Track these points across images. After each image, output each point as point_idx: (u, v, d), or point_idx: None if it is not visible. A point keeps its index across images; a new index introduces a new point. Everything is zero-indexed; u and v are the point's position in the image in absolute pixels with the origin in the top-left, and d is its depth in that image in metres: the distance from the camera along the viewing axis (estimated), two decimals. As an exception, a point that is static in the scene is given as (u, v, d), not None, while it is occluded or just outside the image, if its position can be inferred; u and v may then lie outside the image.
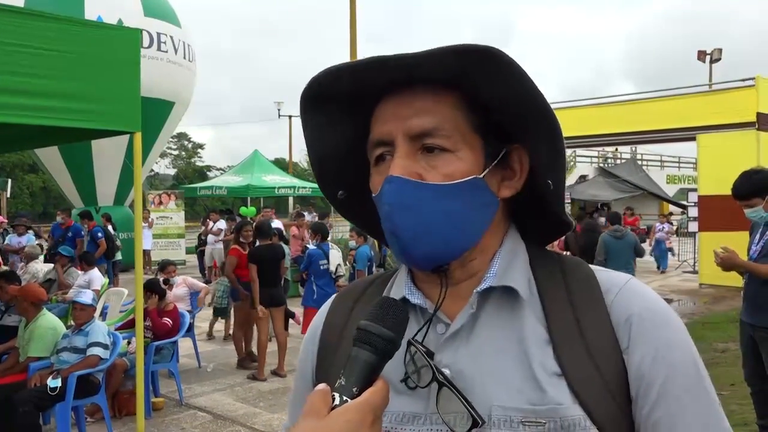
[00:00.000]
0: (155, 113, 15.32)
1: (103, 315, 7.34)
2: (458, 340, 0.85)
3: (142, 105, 4.63)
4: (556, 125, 0.84)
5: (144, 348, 5.22)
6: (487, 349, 0.84)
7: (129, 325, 6.23)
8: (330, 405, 0.70)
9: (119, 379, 5.69)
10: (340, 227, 20.43)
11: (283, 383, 6.81)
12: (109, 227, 13.38)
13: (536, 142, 0.87)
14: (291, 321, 7.71)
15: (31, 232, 13.01)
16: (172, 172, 57.94)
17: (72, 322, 5.43)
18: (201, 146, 60.60)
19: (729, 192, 4.34)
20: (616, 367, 0.81)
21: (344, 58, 20.84)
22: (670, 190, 29.51)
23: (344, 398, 0.70)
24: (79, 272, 8.43)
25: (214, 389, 6.66)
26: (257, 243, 7.25)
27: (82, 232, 12.18)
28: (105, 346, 5.15)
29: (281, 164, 37.80)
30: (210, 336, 8.77)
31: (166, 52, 16.39)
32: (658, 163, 32.16)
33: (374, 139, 0.87)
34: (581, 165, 28.19)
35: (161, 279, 7.10)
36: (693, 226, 14.49)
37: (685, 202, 17.96)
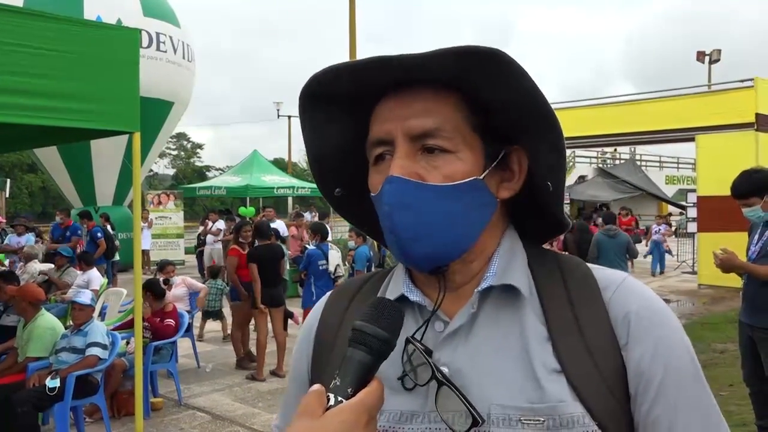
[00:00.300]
0: (154, 113, 15.31)
1: (102, 315, 7.34)
2: (457, 339, 0.85)
3: (141, 105, 4.63)
4: (557, 126, 0.84)
5: (143, 348, 5.22)
6: (486, 347, 0.84)
7: (127, 326, 6.22)
8: (325, 405, 0.70)
9: (118, 379, 5.68)
10: (340, 227, 20.43)
11: (282, 383, 6.81)
12: (108, 227, 13.37)
13: (536, 143, 0.87)
14: (290, 321, 7.70)
15: (32, 234, 12.98)
16: (171, 172, 57.93)
17: (71, 322, 5.42)
18: (200, 146, 60.57)
19: (728, 193, 4.34)
20: (615, 364, 0.82)
21: (344, 58, 20.86)
22: (669, 191, 29.57)
23: (339, 399, 0.70)
24: (78, 272, 8.42)
25: (213, 389, 6.66)
26: (256, 243, 7.25)
27: (79, 232, 12.16)
28: (104, 347, 5.14)
29: (280, 164, 37.80)
30: (200, 338, 8.69)
31: (166, 52, 16.39)
32: (657, 164, 32.21)
33: (374, 138, 0.87)
34: (580, 165, 28.23)
35: (161, 279, 7.10)
36: (692, 227, 14.51)
37: (684, 203, 17.98)
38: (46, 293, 7.15)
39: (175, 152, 57.96)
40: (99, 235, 12.24)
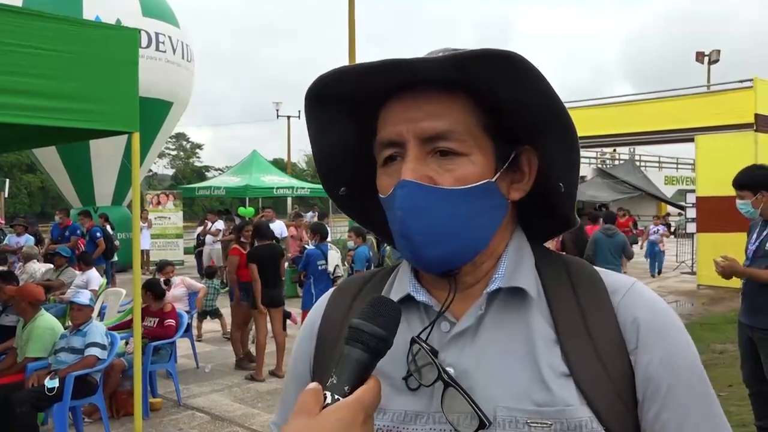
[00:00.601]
0: (153, 113, 15.31)
1: (101, 315, 7.33)
2: (463, 340, 0.85)
3: (140, 105, 4.62)
4: (572, 126, 0.83)
5: (142, 348, 5.22)
6: (493, 349, 0.83)
7: (126, 326, 6.22)
8: (321, 403, 0.70)
9: (117, 379, 5.68)
10: (339, 228, 20.43)
11: (281, 384, 6.78)
12: (108, 227, 13.37)
13: (551, 143, 0.86)
14: (288, 321, 7.70)
15: (31, 237, 12.96)
16: (170, 172, 57.94)
17: (69, 323, 5.42)
18: (199, 146, 60.60)
19: (727, 193, 4.36)
20: (623, 368, 0.82)
21: (343, 58, 20.88)
22: (669, 191, 29.59)
23: (336, 397, 0.70)
24: (77, 272, 8.41)
25: (212, 390, 6.65)
26: (256, 243, 7.25)
27: (79, 231, 12.16)
28: (103, 347, 5.14)
29: (280, 164, 37.79)
30: (199, 338, 8.67)
31: (165, 52, 16.38)
32: (657, 164, 32.23)
33: (384, 139, 0.86)
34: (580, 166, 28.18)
35: (162, 280, 7.10)
36: (691, 227, 14.52)
37: (683, 203, 18.00)
38: (46, 293, 7.13)
39: (174, 152, 57.98)
40: (98, 234, 12.23)
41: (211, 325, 9.00)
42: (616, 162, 30.22)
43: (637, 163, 29.96)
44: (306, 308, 7.38)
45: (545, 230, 0.98)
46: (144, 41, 15.10)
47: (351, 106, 0.90)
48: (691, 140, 13.67)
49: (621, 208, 18.41)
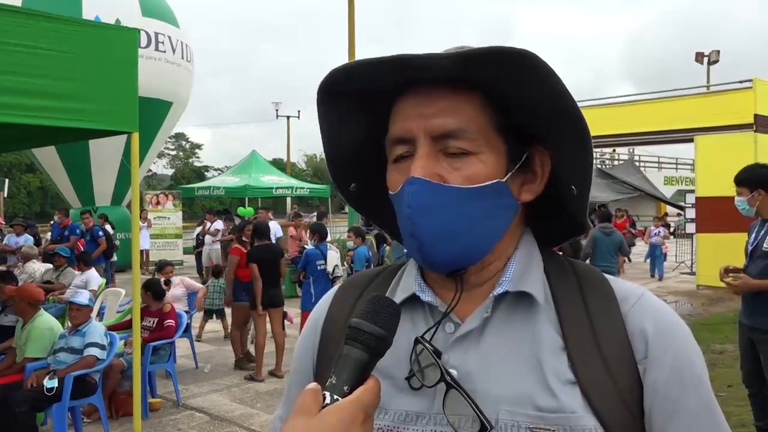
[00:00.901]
0: (153, 113, 15.30)
1: (101, 315, 7.33)
2: (468, 342, 0.84)
3: (139, 105, 4.62)
4: (585, 127, 0.82)
5: (141, 348, 5.21)
6: (498, 352, 0.83)
7: (126, 326, 6.21)
8: (321, 404, 0.69)
9: (116, 379, 5.67)
10: (338, 228, 20.42)
11: (281, 384, 6.80)
12: (108, 227, 13.36)
13: (563, 144, 0.85)
14: (285, 321, 7.70)
15: (30, 237, 12.94)
16: (169, 172, 57.95)
17: (69, 323, 5.42)
18: (199, 146, 60.62)
19: (727, 194, 4.37)
20: (631, 377, 0.81)
21: (343, 58, 20.85)
22: (668, 192, 29.58)
23: (335, 397, 0.70)
24: (76, 272, 8.41)
25: (212, 390, 6.65)
26: (255, 243, 7.24)
27: (78, 231, 12.16)
28: (102, 347, 5.14)
29: (279, 164, 37.75)
30: (199, 338, 8.69)
31: (164, 52, 16.38)
32: (656, 165, 32.23)
33: (394, 136, 0.86)
34: (579, 166, 28.17)
35: (162, 280, 7.10)
36: (690, 228, 14.51)
37: (682, 204, 17.98)
38: (46, 294, 7.13)
39: (173, 152, 58.01)
40: (101, 233, 12.22)
41: (211, 325, 9.00)
42: (616, 162, 30.23)
43: (637, 164, 29.96)
44: (305, 308, 7.37)
45: (556, 235, 0.97)
46: (143, 41, 15.10)
47: (363, 102, 0.89)
48: (691, 140, 13.67)
49: (619, 209, 18.40)
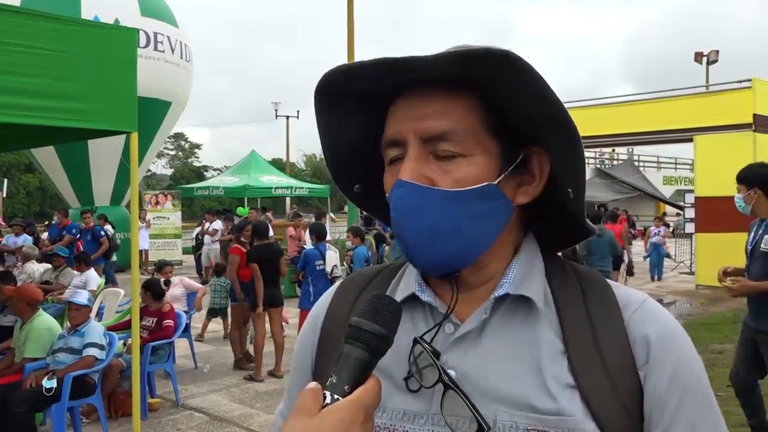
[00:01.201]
0: (152, 113, 15.30)
1: (99, 315, 7.32)
2: (467, 343, 0.84)
3: (138, 105, 4.61)
4: (574, 132, 0.81)
5: (140, 348, 5.21)
6: (497, 354, 0.82)
7: (125, 326, 6.21)
8: (321, 403, 0.69)
9: (115, 379, 5.67)
10: (337, 228, 20.41)
11: (280, 384, 6.80)
12: (108, 227, 13.36)
13: (554, 146, 0.84)
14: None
15: (29, 237, 12.93)
16: (169, 172, 57.93)
17: (68, 323, 5.41)
18: (198, 146, 60.59)
19: (726, 193, 4.39)
20: (631, 383, 0.81)
21: (342, 58, 20.85)
22: (667, 192, 29.61)
23: (335, 396, 0.69)
24: (75, 273, 8.40)
25: (211, 390, 6.65)
26: (255, 243, 7.24)
27: (74, 230, 12.15)
28: (101, 347, 5.13)
29: (278, 164, 37.75)
30: (201, 337, 8.69)
31: (163, 51, 16.38)
32: (655, 165, 32.25)
33: (387, 138, 0.86)
34: (578, 166, 28.17)
35: (162, 280, 7.10)
36: (689, 228, 14.52)
37: (681, 204, 17.99)
38: (45, 294, 7.13)
39: (173, 152, 57.96)
40: (102, 233, 12.21)
41: (211, 325, 9.00)
42: (615, 162, 30.25)
43: (636, 163, 29.99)
44: (303, 307, 7.38)
45: (560, 239, 0.96)
46: (142, 41, 15.11)
47: (363, 102, 0.89)
48: (690, 140, 13.68)
49: (616, 208, 18.37)
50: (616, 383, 0.80)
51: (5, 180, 25.81)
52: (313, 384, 0.71)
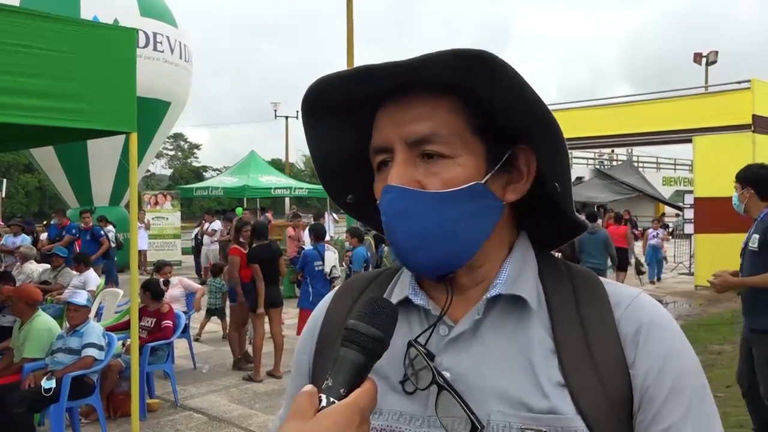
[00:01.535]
0: (151, 113, 15.30)
1: (99, 316, 7.32)
2: (460, 344, 0.84)
3: (137, 105, 4.61)
4: (555, 128, 0.81)
5: (139, 349, 5.20)
6: (490, 354, 0.83)
7: (124, 326, 6.20)
8: (316, 407, 0.69)
9: (114, 380, 5.67)
10: (340, 228, 20.39)
11: (279, 384, 6.79)
12: (110, 228, 13.36)
13: (538, 144, 0.85)
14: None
15: (27, 237, 12.92)
16: (168, 172, 57.91)
17: (67, 323, 5.41)
18: (197, 147, 60.58)
19: (725, 194, 4.41)
20: (621, 382, 0.80)
21: (342, 58, 20.84)
22: (666, 192, 29.62)
23: (331, 399, 0.69)
24: (74, 273, 8.40)
25: (210, 390, 6.64)
26: (254, 244, 7.24)
27: (74, 230, 12.14)
28: (100, 347, 5.13)
29: (278, 165, 37.77)
30: (198, 338, 8.67)
31: (162, 52, 16.37)
32: (654, 165, 32.27)
33: (374, 146, 0.86)
34: (577, 167, 28.29)
35: (161, 280, 7.09)
36: (689, 228, 14.53)
37: (681, 204, 18.00)
38: (44, 294, 7.12)
39: (172, 152, 57.94)
40: (102, 233, 12.21)
41: (209, 326, 9.00)
42: (614, 163, 30.27)
43: (635, 164, 30.01)
44: (302, 306, 7.38)
45: (554, 237, 0.97)
46: (142, 41, 15.10)
47: (348, 114, 0.90)
48: (689, 141, 13.69)
49: (610, 210, 18.32)
50: (606, 383, 0.80)
51: (4, 180, 25.79)
52: (308, 387, 0.71)
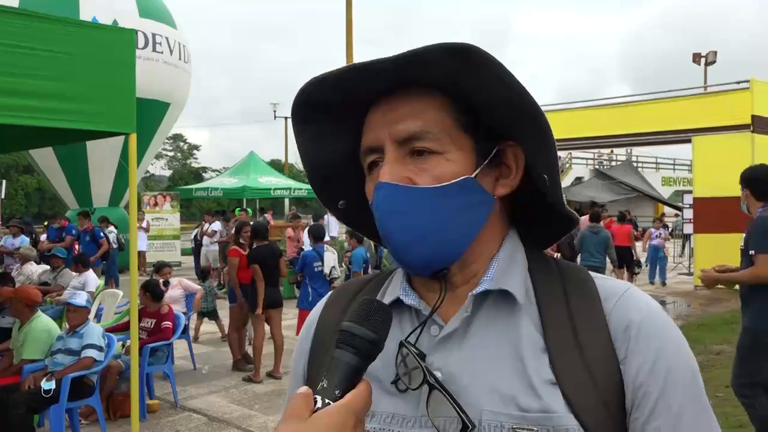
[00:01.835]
0: (150, 114, 15.29)
1: (98, 317, 7.31)
2: (451, 343, 0.84)
3: (137, 106, 4.61)
4: (543, 121, 0.82)
5: (139, 350, 5.20)
6: (481, 353, 0.83)
7: (123, 327, 6.20)
8: (312, 408, 0.69)
9: (114, 381, 5.66)
10: (340, 228, 20.38)
11: (279, 385, 6.79)
12: (111, 229, 13.35)
13: (525, 139, 0.86)
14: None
15: (26, 238, 12.91)
16: (167, 173, 57.92)
17: (67, 324, 5.41)
18: (196, 147, 60.58)
19: (724, 194, 4.44)
20: (612, 378, 0.80)
21: (341, 59, 20.85)
22: (666, 192, 29.64)
23: (326, 401, 0.69)
24: (74, 274, 8.39)
25: (210, 391, 6.64)
26: (254, 245, 7.24)
27: (74, 232, 12.12)
28: (99, 348, 5.13)
29: (277, 166, 37.75)
30: (196, 339, 8.67)
31: (162, 53, 16.37)
32: (654, 165, 32.27)
33: (365, 146, 0.87)
34: (577, 167, 28.31)
35: (161, 281, 7.09)
36: (688, 228, 14.53)
37: (680, 204, 18.00)
38: (43, 295, 7.12)
39: (171, 153, 57.92)
40: (102, 234, 12.19)
41: (208, 327, 8.99)
42: (614, 163, 30.27)
43: (635, 164, 30.01)
44: (302, 307, 7.38)
45: (547, 235, 0.97)
46: (141, 42, 15.10)
47: (340, 116, 0.90)
48: (688, 141, 13.71)
49: (603, 210, 18.28)
50: (597, 379, 0.79)
51: (4, 181, 25.75)
52: (303, 388, 0.71)
